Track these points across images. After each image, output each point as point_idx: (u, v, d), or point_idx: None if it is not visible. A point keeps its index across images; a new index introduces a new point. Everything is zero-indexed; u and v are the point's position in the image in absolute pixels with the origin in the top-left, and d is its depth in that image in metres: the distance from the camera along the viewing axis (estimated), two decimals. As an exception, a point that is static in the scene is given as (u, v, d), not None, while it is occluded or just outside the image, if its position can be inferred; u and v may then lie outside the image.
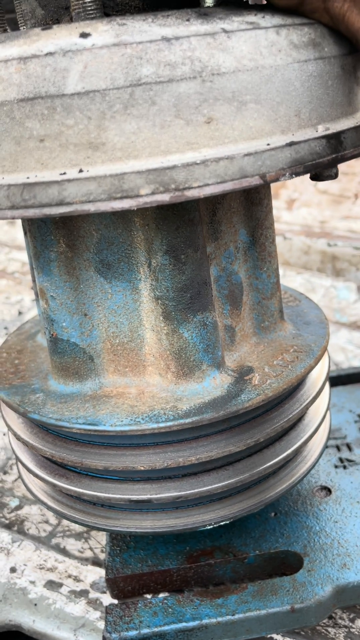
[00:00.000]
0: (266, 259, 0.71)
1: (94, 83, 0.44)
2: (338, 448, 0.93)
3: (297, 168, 0.47)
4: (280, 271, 1.70)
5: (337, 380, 1.10)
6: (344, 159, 0.50)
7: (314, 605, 0.69)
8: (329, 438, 0.78)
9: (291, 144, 0.46)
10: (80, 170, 0.45)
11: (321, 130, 0.48)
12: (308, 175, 0.52)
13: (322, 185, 2.21)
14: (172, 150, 0.45)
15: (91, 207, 0.44)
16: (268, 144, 0.46)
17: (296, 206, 2.02)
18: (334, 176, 0.50)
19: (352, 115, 0.54)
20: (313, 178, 0.51)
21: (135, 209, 0.44)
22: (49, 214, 0.45)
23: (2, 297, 1.60)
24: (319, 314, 0.79)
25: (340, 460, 0.90)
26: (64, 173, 0.45)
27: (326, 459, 0.90)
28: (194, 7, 0.53)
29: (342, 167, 2.40)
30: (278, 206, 2.01)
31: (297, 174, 0.47)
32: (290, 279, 1.62)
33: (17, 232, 1.95)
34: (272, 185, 2.39)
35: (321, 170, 0.50)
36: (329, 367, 0.76)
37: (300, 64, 0.48)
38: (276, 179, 0.46)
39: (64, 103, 0.44)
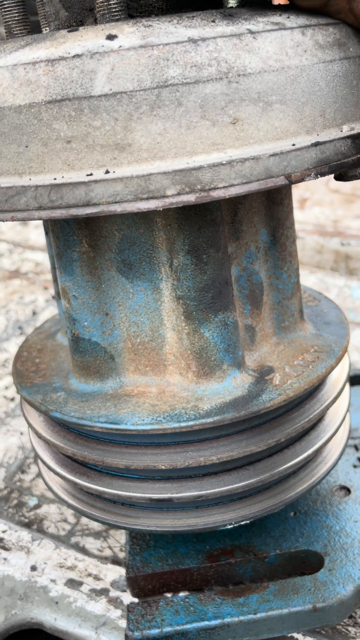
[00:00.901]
0: (287, 259, 0.71)
1: (121, 85, 0.44)
2: (356, 448, 0.93)
3: (322, 168, 0.47)
4: (295, 270, 1.70)
5: (354, 380, 1.10)
6: (369, 158, 0.50)
7: (336, 604, 0.69)
8: (349, 438, 0.77)
9: (316, 144, 0.46)
10: (107, 172, 0.45)
11: (346, 130, 0.48)
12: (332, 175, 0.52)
13: (334, 184, 2.21)
14: (197, 151, 0.45)
15: (118, 208, 0.44)
16: (293, 145, 0.46)
17: (308, 205, 2.02)
18: (359, 176, 0.50)
19: (376, 115, 0.53)
20: (337, 178, 0.51)
21: (161, 209, 0.44)
22: (76, 215, 0.45)
23: (16, 297, 1.61)
24: (339, 313, 0.79)
25: (359, 459, 0.90)
26: (91, 174, 0.45)
27: (344, 459, 0.90)
28: (216, 7, 0.54)
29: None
30: (291, 205, 2.01)
31: (322, 174, 0.47)
32: (303, 279, 1.62)
33: (30, 232, 1.96)
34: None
35: (346, 170, 0.50)
36: (349, 367, 0.76)
37: (325, 64, 0.48)
38: (301, 179, 0.46)
39: (91, 105, 0.44)
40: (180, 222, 0.60)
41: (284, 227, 0.69)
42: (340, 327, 0.75)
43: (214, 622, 0.68)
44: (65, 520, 0.92)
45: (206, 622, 0.68)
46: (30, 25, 0.58)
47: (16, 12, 0.58)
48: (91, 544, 0.87)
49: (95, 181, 0.44)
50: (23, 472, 1.02)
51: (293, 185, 2.37)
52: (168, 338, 0.67)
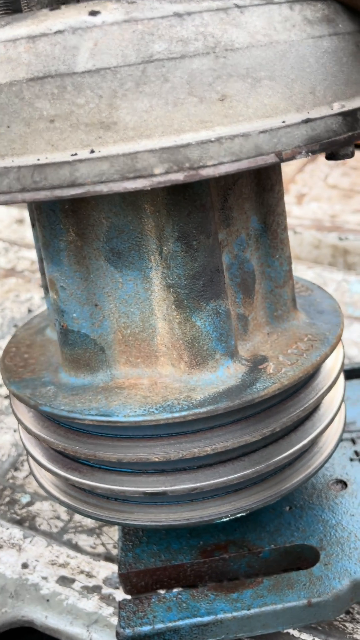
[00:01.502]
0: (278, 247, 0.70)
1: (104, 60, 0.43)
2: (353, 441, 0.91)
3: (313, 146, 0.45)
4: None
5: (352, 373, 1.09)
6: (361, 137, 0.49)
7: (332, 599, 0.68)
8: (344, 429, 0.76)
9: (307, 121, 0.45)
10: (92, 151, 0.44)
11: (337, 108, 0.47)
12: (324, 156, 0.51)
13: (332, 180, 2.20)
14: (185, 129, 0.44)
15: (104, 188, 0.43)
16: (283, 122, 0.45)
17: (306, 201, 2.01)
18: (350, 155, 0.49)
19: (367, 94, 0.52)
20: (329, 157, 0.50)
21: (149, 189, 0.43)
22: (60, 196, 0.44)
23: (12, 295, 1.60)
24: (333, 302, 0.78)
25: (356, 453, 0.89)
26: (75, 154, 0.44)
27: (341, 452, 0.89)
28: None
29: (352, 162, 2.34)
30: (288, 201, 2.00)
31: (314, 152, 0.46)
32: (301, 274, 1.60)
33: (25, 231, 1.95)
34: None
35: (337, 149, 0.48)
36: (344, 356, 0.75)
37: (314, 40, 0.46)
38: (292, 157, 0.45)
39: (74, 82, 0.43)
40: (169, 208, 0.58)
41: (275, 214, 0.68)
42: (334, 316, 0.74)
43: (206, 619, 0.67)
44: (58, 518, 0.90)
45: (199, 619, 0.67)
46: (11, 7, 0.57)
47: (-2, -5, 0.56)
48: (84, 541, 0.86)
49: (80, 160, 0.43)
50: (16, 469, 1.00)
51: (290, 181, 2.34)
52: (159, 328, 0.65)
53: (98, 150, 0.44)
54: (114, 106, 0.43)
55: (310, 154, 0.45)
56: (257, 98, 0.45)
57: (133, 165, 0.43)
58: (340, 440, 0.75)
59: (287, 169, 2.26)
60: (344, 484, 0.83)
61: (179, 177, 0.43)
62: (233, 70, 0.44)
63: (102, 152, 0.43)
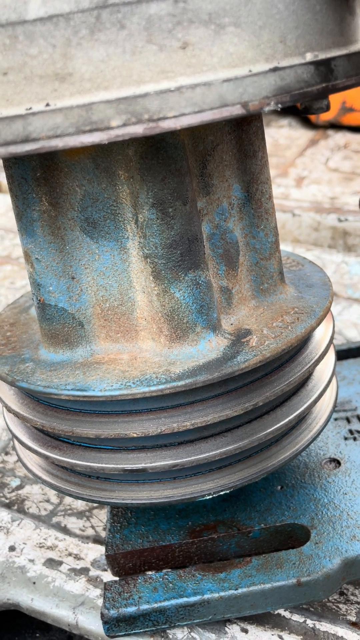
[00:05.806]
0: (263, 217, 0.67)
1: (57, 6, 0.40)
2: (348, 420, 0.89)
3: (283, 97, 0.43)
4: (290, 248, 1.65)
5: (348, 353, 1.06)
6: (336, 89, 0.46)
7: (322, 578, 0.65)
8: (335, 405, 0.74)
9: (275, 69, 0.43)
10: (47, 105, 0.42)
11: (309, 57, 0.45)
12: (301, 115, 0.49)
13: (333, 163, 2.16)
14: (145, 80, 0.42)
15: (59, 143, 0.41)
16: (250, 70, 0.42)
17: (305, 183, 1.97)
18: (325, 108, 0.47)
19: (344, 47, 0.50)
20: (303, 111, 0.48)
21: (107, 142, 0.41)
22: (15, 153, 0.41)
23: (7, 283, 1.58)
24: (323, 276, 0.75)
25: (350, 432, 0.86)
26: (30, 108, 0.42)
27: (335, 432, 0.86)
28: None
29: (353, 145, 2.30)
30: (287, 184, 1.96)
31: (283, 104, 0.43)
32: (300, 256, 1.57)
33: (23, 219, 1.93)
34: (281, 163, 2.32)
35: (310, 102, 0.46)
36: (334, 330, 0.72)
37: (283, -16, 0.44)
38: (260, 108, 0.42)
39: (25, 30, 0.41)
40: (143, 173, 0.56)
41: (259, 182, 0.66)
42: (323, 289, 0.72)
43: (193, 599, 0.65)
44: (47, 501, 0.89)
45: (185, 599, 0.65)
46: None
47: None
48: (73, 523, 0.84)
49: (33, 114, 0.41)
50: (7, 453, 0.99)
51: (290, 164, 2.30)
52: (138, 301, 0.63)
53: (54, 104, 0.42)
54: (69, 56, 0.41)
55: (279, 105, 0.43)
56: (222, 46, 0.42)
57: (88, 117, 0.40)
58: (331, 416, 0.73)
59: (287, 153, 2.23)
60: (337, 462, 0.81)
61: (137, 130, 0.40)
62: (194, 15, 0.41)
63: (57, 105, 0.41)
